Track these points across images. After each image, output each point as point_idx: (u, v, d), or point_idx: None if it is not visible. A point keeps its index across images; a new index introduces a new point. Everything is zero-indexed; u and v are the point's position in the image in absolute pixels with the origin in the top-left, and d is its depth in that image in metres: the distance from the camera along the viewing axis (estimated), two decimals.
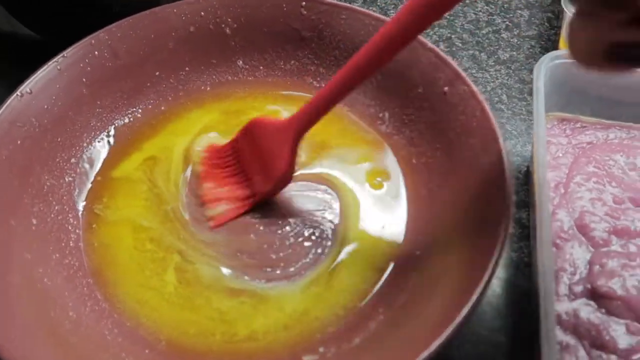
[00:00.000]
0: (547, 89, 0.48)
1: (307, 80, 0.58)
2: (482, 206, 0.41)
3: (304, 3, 0.55)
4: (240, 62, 0.58)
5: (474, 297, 0.34)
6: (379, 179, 0.50)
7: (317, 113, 0.44)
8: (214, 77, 0.58)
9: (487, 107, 0.45)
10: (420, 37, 0.51)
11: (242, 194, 0.48)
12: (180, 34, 0.55)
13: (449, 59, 0.49)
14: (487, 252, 0.36)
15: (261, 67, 0.58)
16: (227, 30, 0.56)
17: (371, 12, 0.54)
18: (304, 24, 0.56)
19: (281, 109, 0.56)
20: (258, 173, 0.48)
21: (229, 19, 0.56)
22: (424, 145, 0.50)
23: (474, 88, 0.47)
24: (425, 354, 0.32)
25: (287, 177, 0.47)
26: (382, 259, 0.45)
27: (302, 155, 0.51)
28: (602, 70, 0.27)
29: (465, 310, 0.33)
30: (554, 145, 0.50)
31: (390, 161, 0.52)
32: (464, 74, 0.48)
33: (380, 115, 0.54)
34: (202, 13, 0.55)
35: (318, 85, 0.57)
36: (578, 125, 0.52)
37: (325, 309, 0.43)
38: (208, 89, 0.57)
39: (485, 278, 0.35)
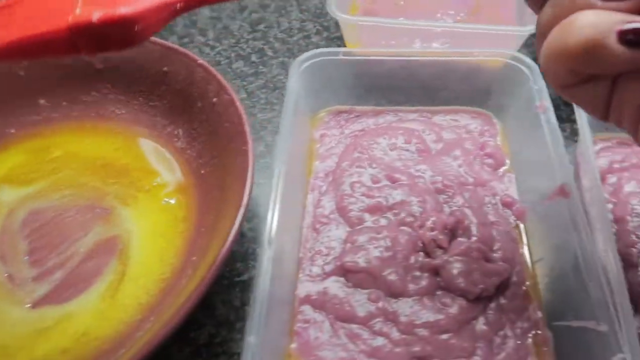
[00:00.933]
0: (317, 86, 0.52)
1: (110, 109, 0.60)
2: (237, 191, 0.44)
3: None
4: (42, 100, 0.60)
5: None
6: (170, 197, 0.53)
7: None
8: (20, 118, 0.60)
9: (243, 113, 0.49)
10: (191, 54, 0.55)
11: None
12: None
13: (215, 71, 0.52)
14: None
15: (64, 103, 0.60)
16: (21, 72, 0.58)
17: (158, 40, 0.57)
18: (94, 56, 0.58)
19: (88, 141, 0.59)
20: None
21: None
22: (208, 155, 0.53)
23: (234, 96, 0.50)
24: None
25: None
26: (167, 269, 0.48)
27: (97, 181, 0.54)
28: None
29: None
30: (328, 137, 0.54)
31: (183, 175, 0.55)
32: (227, 84, 0.51)
33: (176, 132, 0.57)
34: None
35: (120, 112, 0.59)
36: (352, 115, 0.56)
37: (106, 327, 0.45)
38: (13, 131, 0.59)
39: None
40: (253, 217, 0.52)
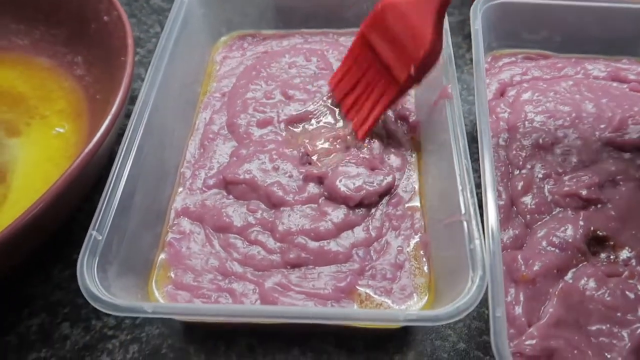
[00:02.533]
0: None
1: (12, 39, 0.57)
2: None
3: None
4: None
5: None
6: (64, 123, 0.51)
7: None
8: None
9: (129, 28, 0.46)
10: None
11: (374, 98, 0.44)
12: None
13: None
14: None
15: None
16: None
17: None
18: None
19: None
20: (393, 64, 0.42)
21: None
22: (103, 80, 0.51)
23: (122, 12, 0.48)
24: None
25: (436, 50, 0.40)
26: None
27: None
28: None
29: None
30: (229, 59, 0.52)
31: (80, 101, 0.52)
32: (116, 1, 0.49)
33: (75, 60, 0.55)
34: None
35: (22, 43, 0.57)
36: (257, 38, 0.54)
37: None
38: None
39: None
40: None
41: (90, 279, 0.30)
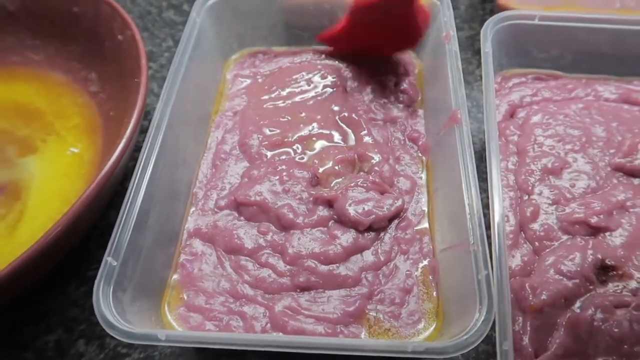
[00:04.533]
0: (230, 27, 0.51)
1: (27, 54, 0.58)
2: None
3: None
4: None
5: None
6: (78, 141, 0.52)
7: None
8: None
9: (142, 47, 0.47)
10: None
11: None
12: None
13: (119, 7, 0.51)
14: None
15: None
16: None
17: None
18: None
19: (4, 86, 0.57)
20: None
21: None
22: (117, 97, 0.52)
23: (136, 32, 0.49)
24: None
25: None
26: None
27: (6, 124, 0.53)
28: None
29: None
30: (240, 77, 0.52)
31: (94, 117, 0.53)
32: (130, 20, 0.50)
33: (90, 76, 0.56)
34: None
35: (37, 58, 0.58)
36: (269, 55, 0.54)
37: (2, 263, 0.44)
38: None
39: None
40: None
41: (106, 305, 0.31)
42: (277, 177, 0.43)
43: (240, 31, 0.54)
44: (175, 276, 0.40)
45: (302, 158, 0.45)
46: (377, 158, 0.44)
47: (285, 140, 0.46)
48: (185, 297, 0.38)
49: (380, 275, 0.39)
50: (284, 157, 0.45)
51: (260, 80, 0.52)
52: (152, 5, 0.69)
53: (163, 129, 0.40)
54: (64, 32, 0.56)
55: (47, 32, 0.57)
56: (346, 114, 0.47)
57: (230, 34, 0.53)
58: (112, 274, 0.33)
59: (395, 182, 0.44)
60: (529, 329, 0.33)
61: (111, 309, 0.31)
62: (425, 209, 0.42)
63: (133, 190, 0.36)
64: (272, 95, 0.50)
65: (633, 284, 0.34)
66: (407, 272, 0.39)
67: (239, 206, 0.42)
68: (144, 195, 0.36)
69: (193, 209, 0.43)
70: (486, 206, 0.35)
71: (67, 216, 0.37)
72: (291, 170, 0.43)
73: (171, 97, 0.42)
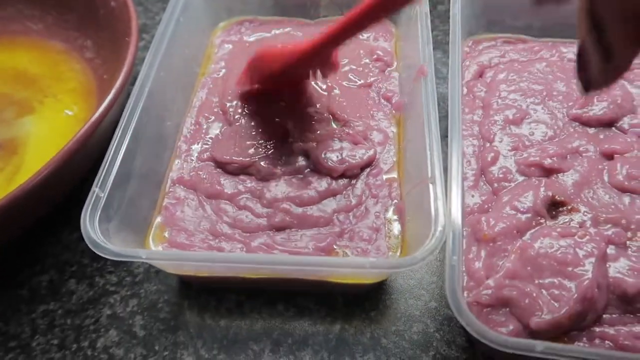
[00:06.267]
0: None
1: (26, 24, 0.62)
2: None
3: None
4: None
5: None
6: (74, 103, 0.55)
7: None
8: None
9: (134, 11, 0.50)
10: None
11: None
12: None
13: None
14: None
15: None
16: None
17: None
18: None
19: (5, 54, 0.61)
20: None
21: None
22: (110, 61, 0.55)
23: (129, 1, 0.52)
24: None
25: None
26: None
27: (7, 88, 0.56)
28: None
29: None
30: (227, 43, 0.55)
31: (89, 81, 0.57)
32: None
33: (85, 43, 0.59)
34: None
35: (36, 27, 0.61)
36: (255, 24, 0.57)
37: None
38: None
39: None
40: None
41: (93, 229, 0.34)
42: (256, 135, 0.46)
43: (229, 5, 0.57)
44: (159, 218, 0.42)
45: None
46: (350, 116, 0.47)
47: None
48: (168, 235, 0.41)
49: (351, 217, 0.42)
50: (260, 117, 0.48)
51: (244, 47, 0.55)
52: None
53: (148, 86, 0.43)
54: (61, 2, 0.59)
55: (45, 2, 0.60)
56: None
57: (219, 5, 0.56)
58: (99, 203, 0.36)
59: (369, 135, 0.46)
60: (482, 256, 0.36)
61: (97, 232, 0.34)
62: (395, 159, 0.45)
63: (118, 135, 0.39)
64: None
65: (580, 217, 0.37)
66: (376, 214, 0.42)
67: (219, 162, 0.45)
68: (128, 142, 0.39)
69: (177, 160, 0.46)
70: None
71: (55, 159, 0.39)
72: (271, 127, 0.46)
73: (156, 58, 0.45)
